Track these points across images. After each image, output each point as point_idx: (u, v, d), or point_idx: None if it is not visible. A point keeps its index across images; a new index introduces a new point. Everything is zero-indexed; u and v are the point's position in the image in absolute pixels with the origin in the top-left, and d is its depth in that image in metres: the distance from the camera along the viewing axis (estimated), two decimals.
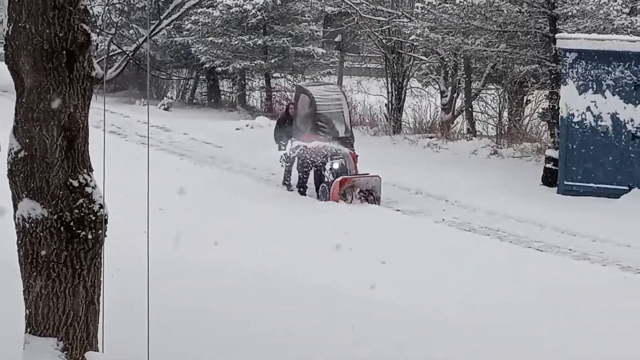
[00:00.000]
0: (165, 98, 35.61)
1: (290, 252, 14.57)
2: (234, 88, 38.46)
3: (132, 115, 30.05)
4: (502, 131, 27.89)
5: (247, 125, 29.39)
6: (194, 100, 38.69)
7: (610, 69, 20.75)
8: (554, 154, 22.01)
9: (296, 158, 20.25)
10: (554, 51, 22.75)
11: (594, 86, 20.88)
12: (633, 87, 20.64)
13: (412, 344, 10.29)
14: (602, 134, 20.93)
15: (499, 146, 26.38)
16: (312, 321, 10.89)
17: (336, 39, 35.39)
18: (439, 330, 10.88)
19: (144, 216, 7.49)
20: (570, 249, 16.10)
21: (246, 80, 37.26)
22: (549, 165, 22.24)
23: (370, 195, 19.36)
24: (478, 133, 29.09)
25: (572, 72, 20.98)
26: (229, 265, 13.15)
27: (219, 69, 34.68)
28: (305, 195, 19.91)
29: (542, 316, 11.83)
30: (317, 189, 19.97)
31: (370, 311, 11.46)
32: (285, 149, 20.49)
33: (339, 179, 19.28)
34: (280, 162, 20.67)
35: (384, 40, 30.25)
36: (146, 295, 7.50)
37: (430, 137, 27.82)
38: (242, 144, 25.65)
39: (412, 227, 17.36)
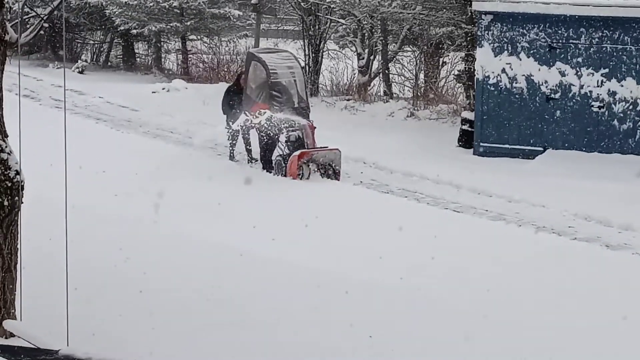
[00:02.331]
0: (79, 61, 35.08)
1: (213, 219, 14.56)
2: (149, 51, 38.09)
3: (45, 78, 29.55)
4: (419, 93, 28.06)
5: (163, 89, 29.06)
6: (109, 63, 38.21)
7: (525, 31, 20.97)
8: (470, 115, 22.22)
9: (250, 131, 18.88)
10: (469, 13, 22.92)
11: (509, 48, 21.10)
12: (548, 49, 20.88)
13: (326, 305, 10.42)
14: (517, 96, 21.17)
15: (416, 108, 26.52)
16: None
17: (253, 1, 35.11)
18: (354, 291, 10.95)
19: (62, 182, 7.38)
20: (487, 210, 16.27)
21: (162, 43, 36.90)
22: (464, 127, 22.44)
23: (329, 170, 18.19)
24: (395, 95, 29.24)
25: (487, 34, 21.16)
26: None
27: (134, 31, 34.28)
28: (270, 172, 18.42)
29: (457, 276, 11.97)
30: (262, 161, 18.73)
31: (283, 274, 11.53)
32: (234, 121, 19.01)
33: (296, 153, 17.83)
34: (228, 135, 19.44)
35: (301, 2, 30.16)
36: (65, 261, 7.40)
37: (348, 100, 27.86)
38: (159, 107, 25.41)
39: (330, 190, 17.37)
